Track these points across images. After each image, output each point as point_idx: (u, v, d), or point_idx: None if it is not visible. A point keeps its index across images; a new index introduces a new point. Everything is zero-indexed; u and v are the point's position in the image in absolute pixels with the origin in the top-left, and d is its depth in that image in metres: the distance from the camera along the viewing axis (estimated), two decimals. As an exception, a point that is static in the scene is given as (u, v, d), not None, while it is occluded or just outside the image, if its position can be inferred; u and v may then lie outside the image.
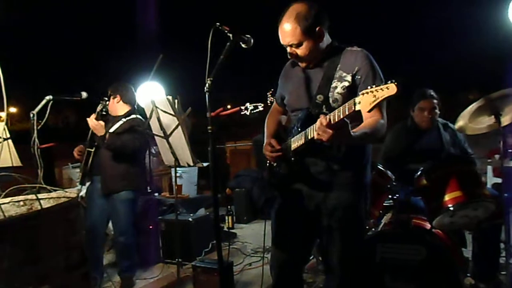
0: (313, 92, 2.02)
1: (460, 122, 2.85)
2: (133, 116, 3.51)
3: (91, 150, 3.45)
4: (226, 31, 1.98)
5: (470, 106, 2.70)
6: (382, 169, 2.74)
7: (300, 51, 1.97)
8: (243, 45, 1.99)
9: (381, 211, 2.79)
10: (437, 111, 3.21)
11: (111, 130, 3.41)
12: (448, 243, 2.72)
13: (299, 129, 1.99)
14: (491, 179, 4.97)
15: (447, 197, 2.50)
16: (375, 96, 1.52)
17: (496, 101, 2.64)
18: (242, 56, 2.23)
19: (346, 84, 1.94)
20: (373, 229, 2.75)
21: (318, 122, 1.70)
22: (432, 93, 3.23)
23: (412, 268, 2.49)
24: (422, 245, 2.48)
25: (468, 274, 2.98)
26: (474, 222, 2.73)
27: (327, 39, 2.03)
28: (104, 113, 3.42)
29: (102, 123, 3.30)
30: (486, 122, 2.83)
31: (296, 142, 2.00)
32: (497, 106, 2.67)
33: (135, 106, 3.64)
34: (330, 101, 1.95)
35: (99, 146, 3.40)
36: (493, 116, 2.71)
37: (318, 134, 1.70)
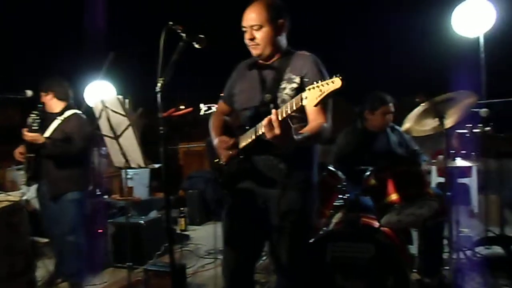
0: (262, 93, 2.06)
1: (407, 124, 2.95)
2: (68, 113, 3.38)
3: (31, 155, 3.30)
4: (179, 31, 1.96)
5: (416, 109, 2.81)
6: (333, 169, 2.80)
7: (258, 35, 2.01)
8: (196, 45, 1.98)
9: (331, 211, 2.84)
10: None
11: (48, 133, 3.29)
12: (396, 241, 2.81)
13: (248, 127, 2.01)
14: (435, 179, 5.22)
15: (394, 196, 2.59)
16: (321, 90, 1.57)
17: (440, 104, 2.76)
18: (197, 56, 2.22)
19: (295, 85, 1.99)
20: (324, 229, 2.80)
21: (266, 119, 1.73)
22: (390, 97, 3.34)
23: (362, 266, 2.55)
24: (371, 243, 2.55)
25: (415, 270, 3.10)
26: (420, 220, 2.85)
27: (284, 41, 2.11)
28: (35, 127, 3.21)
29: (36, 134, 3.17)
30: (430, 124, 2.94)
31: (245, 139, 2.02)
32: (441, 110, 2.78)
33: (72, 101, 3.51)
34: (278, 101, 1.99)
35: (40, 151, 3.27)
36: (437, 119, 2.83)
37: (265, 129, 1.73)
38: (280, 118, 1.71)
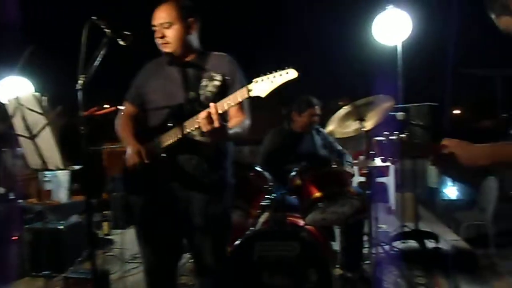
0: (185, 90, 2.05)
1: (330, 126, 3.06)
2: None
3: None
4: (103, 26, 1.87)
5: (339, 112, 2.92)
6: (260, 170, 2.83)
7: (169, 33, 2.00)
8: (121, 42, 1.91)
9: (259, 211, 2.87)
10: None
11: None
12: (320, 238, 2.91)
13: (172, 125, 1.97)
14: (356, 178, 5.47)
15: (318, 195, 2.68)
16: (272, 82, 1.64)
17: (361, 107, 2.89)
18: (123, 53, 2.15)
19: (217, 83, 2.02)
20: (252, 229, 2.82)
21: (204, 112, 1.74)
22: (317, 100, 3.48)
23: (288, 264, 2.60)
24: (296, 241, 2.61)
25: (337, 265, 3.23)
26: (342, 217, 2.96)
27: (197, 41, 2.13)
28: None
29: None
30: (352, 126, 3.06)
31: (170, 138, 1.97)
32: (362, 112, 2.92)
33: None
34: (202, 98, 2.00)
35: None
36: (358, 121, 2.97)
37: (204, 122, 1.73)
38: (220, 111, 1.73)
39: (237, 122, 2.00)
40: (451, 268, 3.53)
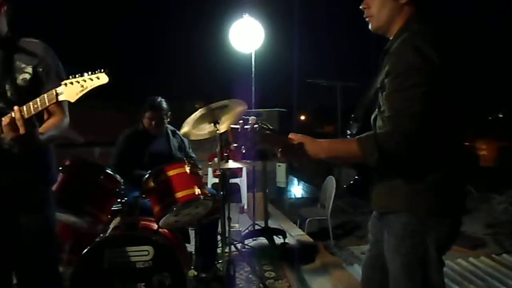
0: None
1: (185, 128, 3.06)
2: None
3: None
4: None
5: (194, 114, 2.94)
6: (111, 172, 2.69)
7: None
8: None
9: (109, 216, 2.73)
10: (165, 120, 3.45)
11: None
12: (174, 241, 2.89)
13: None
14: (211, 180, 5.59)
15: (172, 198, 2.65)
16: (83, 86, 1.48)
17: (215, 110, 2.96)
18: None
19: (27, 76, 1.79)
20: (101, 235, 2.67)
21: (6, 117, 1.53)
22: (161, 103, 3.43)
23: (142, 269, 2.53)
24: (149, 245, 2.55)
25: (192, 267, 3.25)
26: (196, 218, 3.00)
27: (4, 26, 1.84)
28: None
29: None
30: (207, 129, 3.12)
31: None
32: (216, 115, 2.99)
33: None
34: (9, 94, 1.76)
35: None
36: (212, 124, 3.03)
37: (6, 129, 1.53)
38: (26, 116, 1.52)
39: (53, 123, 1.81)
40: (297, 260, 3.83)
